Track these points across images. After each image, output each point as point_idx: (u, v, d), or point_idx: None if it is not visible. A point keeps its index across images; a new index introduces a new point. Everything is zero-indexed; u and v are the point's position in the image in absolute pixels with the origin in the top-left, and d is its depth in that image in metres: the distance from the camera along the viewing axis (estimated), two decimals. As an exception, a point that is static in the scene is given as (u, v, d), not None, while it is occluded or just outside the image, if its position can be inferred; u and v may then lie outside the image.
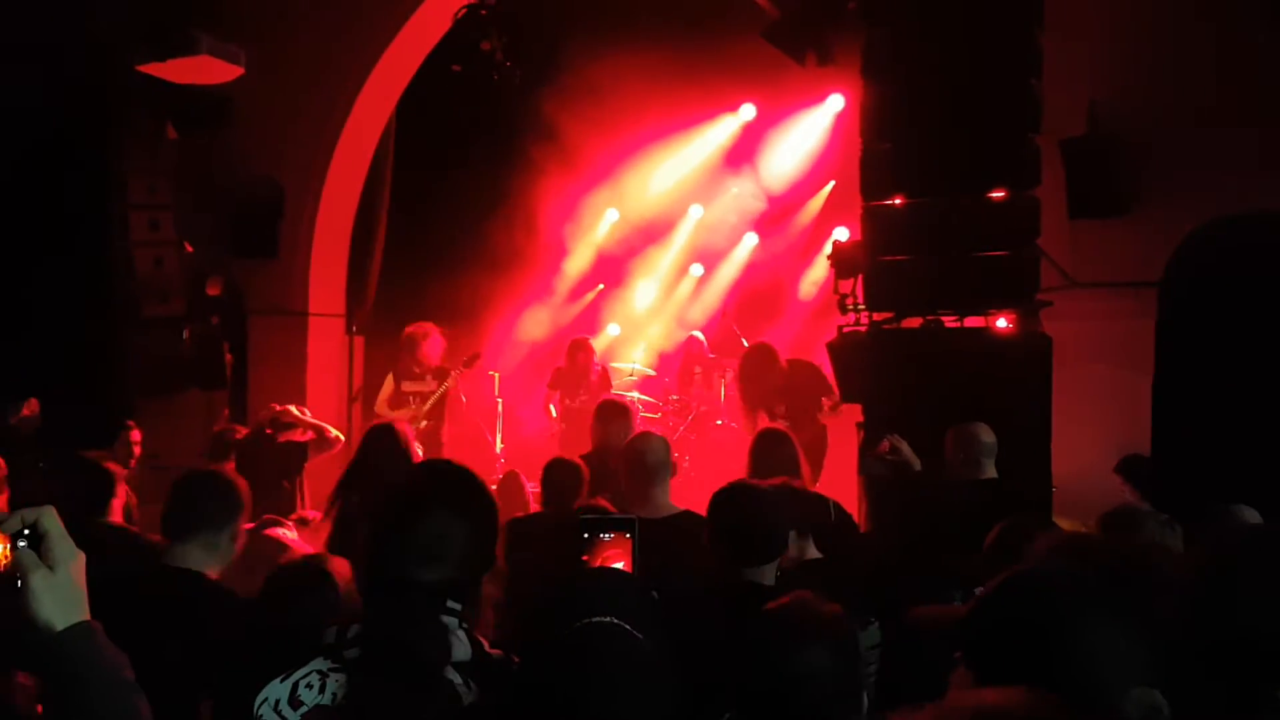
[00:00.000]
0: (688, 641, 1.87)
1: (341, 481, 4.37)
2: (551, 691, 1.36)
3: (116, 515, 4.21)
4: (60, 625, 1.25)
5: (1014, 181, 5.45)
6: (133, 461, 6.02)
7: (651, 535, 3.71)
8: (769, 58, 7.74)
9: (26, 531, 1.29)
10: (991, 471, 4.66)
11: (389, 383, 8.02)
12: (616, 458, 5.07)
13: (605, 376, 9.24)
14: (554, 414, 9.07)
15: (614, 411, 5.55)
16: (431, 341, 7.83)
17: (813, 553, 3.44)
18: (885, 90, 5.69)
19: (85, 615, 1.29)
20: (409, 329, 7.96)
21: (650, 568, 3.07)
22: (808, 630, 2.03)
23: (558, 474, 4.69)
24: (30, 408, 6.95)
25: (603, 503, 3.46)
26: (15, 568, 1.26)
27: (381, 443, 4.54)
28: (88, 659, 1.26)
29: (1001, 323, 5.59)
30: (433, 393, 7.81)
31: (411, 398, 7.85)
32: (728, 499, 3.12)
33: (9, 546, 1.28)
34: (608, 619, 1.39)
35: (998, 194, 5.49)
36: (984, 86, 5.43)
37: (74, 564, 1.30)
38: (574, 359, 8.93)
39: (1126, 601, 1.39)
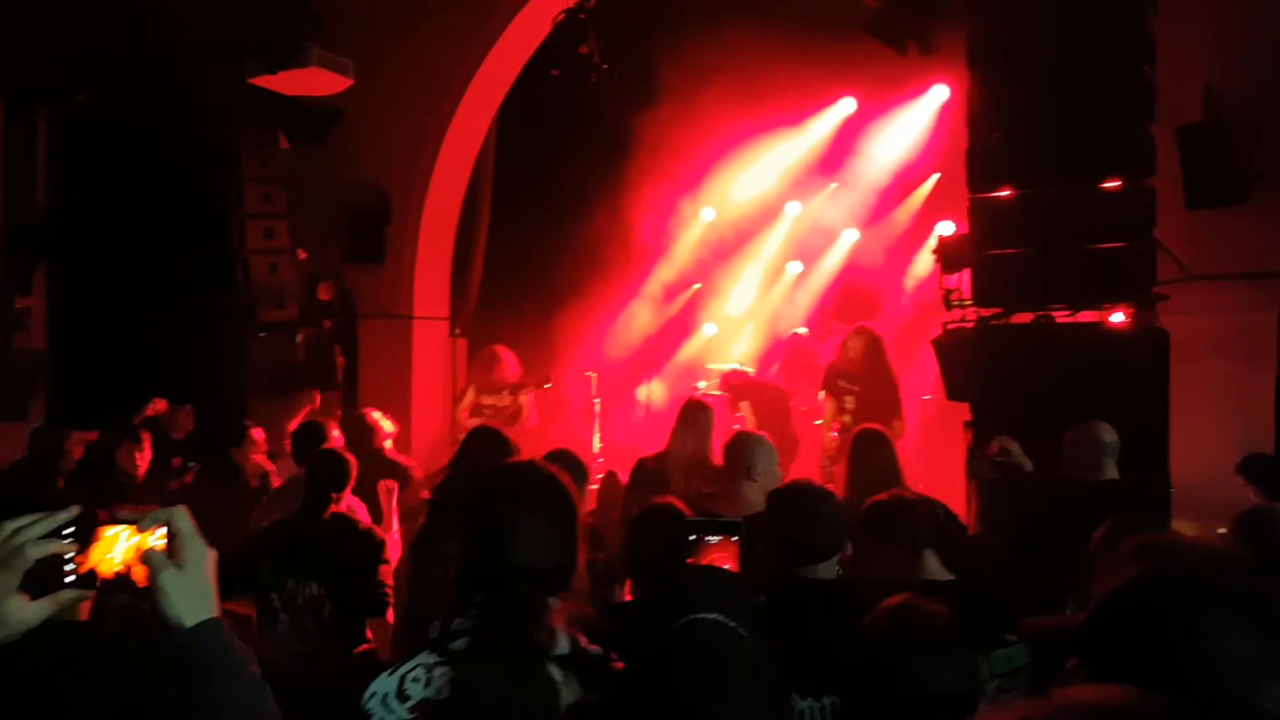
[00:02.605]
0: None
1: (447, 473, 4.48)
2: (655, 685, 1.36)
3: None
4: (190, 622, 1.31)
5: (1128, 171, 5.28)
6: (256, 458, 6.27)
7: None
8: (869, 50, 7.63)
9: (161, 531, 1.35)
10: (1113, 472, 4.48)
11: (470, 393, 8.19)
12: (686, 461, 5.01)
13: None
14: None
15: (697, 410, 5.25)
16: (507, 361, 8.02)
17: (942, 573, 3.13)
18: (992, 79, 5.56)
19: (214, 612, 1.34)
20: (486, 349, 8.20)
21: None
22: (917, 631, 1.99)
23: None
24: (155, 407, 7.27)
25: (677, 503, 3.37)
26: (145, 566, 1.31)
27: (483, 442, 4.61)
28: (216, 654, 1.31)
29: (1117, 317, 5.41)
30: (507, 407, 7.96)
31: (486, 410, 8.02)
32: (781, 505, 3.16)
33: (161, 535, 1.34)
34: (713, 616, 1.40)
35: (1111, 184, 5.31)
36: (1095, 73, 5.27)
37: (205, 563, 1.35)
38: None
39: (1255, 600, 1.33)
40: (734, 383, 8.96)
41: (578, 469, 4.23)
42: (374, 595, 4.10)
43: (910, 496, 3.35)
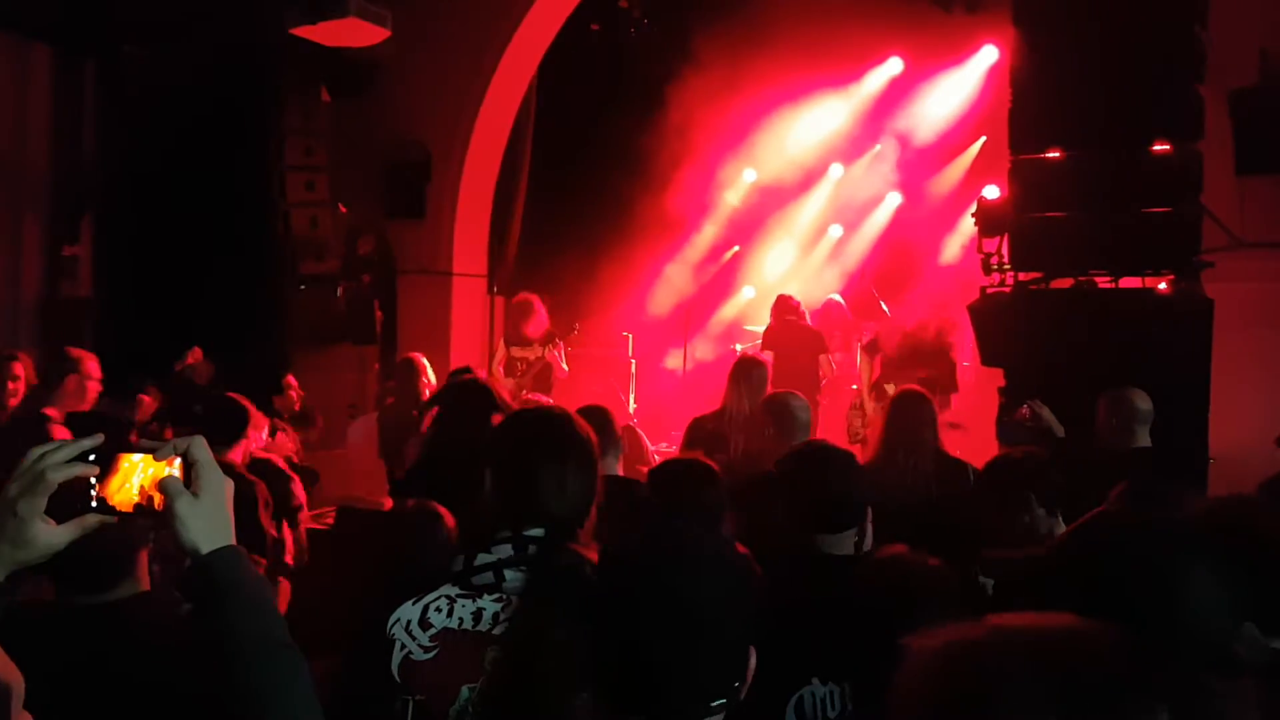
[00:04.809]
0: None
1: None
2: (625, 580, 1.40)
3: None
4: (205, 549, 1.32)
5: (1175, 134, 5.15)
6: (296, 407, 6.36)
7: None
8: (917, 8, 7.48)
9: (178, 460, 1.37)
10: (1145, 440, 4.42)
11: (500, 348, 8.16)
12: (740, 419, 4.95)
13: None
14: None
15: (750, 367, 5.24)
16: (537, 312, 7.87)
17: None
18: (1038, 37, 5.44)
19: (230, 540, 1.35)
20: (517, 298, 8.08)
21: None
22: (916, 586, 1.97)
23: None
24: (194, 356, 7.37)
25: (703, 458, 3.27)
26: (161, 493, 1.34)
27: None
28: (231, 581, 1.32)
29: (1163, 286, 5.30)
30: (536, 361, 7.91)
31: (519, 363, 7.97)
32: (801, 462, 2.75)
33: (178, 464, 1.36)
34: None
35: (1158, 147, 5.19)
36: (1144, 33, 5.13)
37: (221, 491, 1.37)
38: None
39: (1223, 550, 1.31)
40: (779, 314, 8.54)
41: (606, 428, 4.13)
42: None
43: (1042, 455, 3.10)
